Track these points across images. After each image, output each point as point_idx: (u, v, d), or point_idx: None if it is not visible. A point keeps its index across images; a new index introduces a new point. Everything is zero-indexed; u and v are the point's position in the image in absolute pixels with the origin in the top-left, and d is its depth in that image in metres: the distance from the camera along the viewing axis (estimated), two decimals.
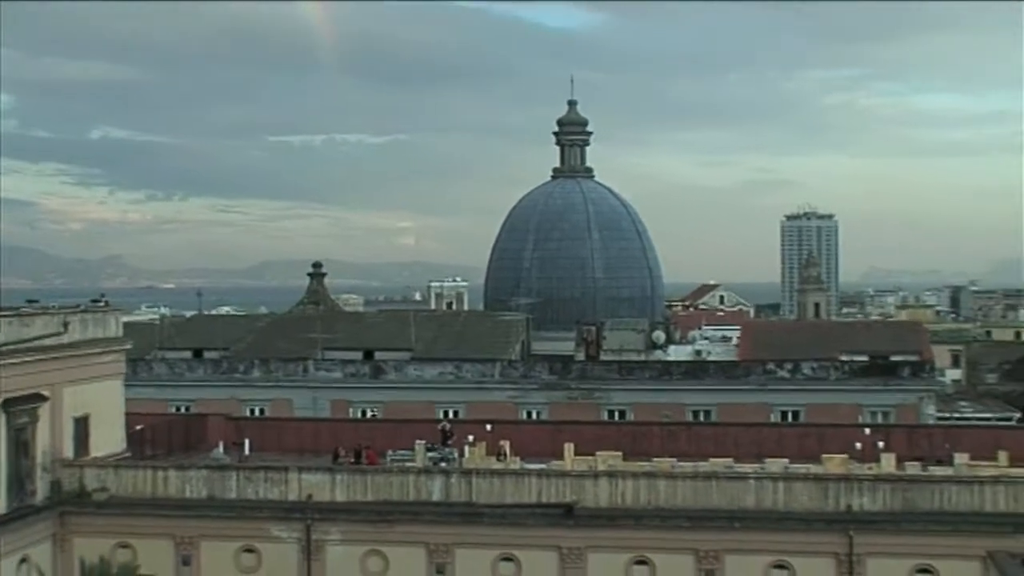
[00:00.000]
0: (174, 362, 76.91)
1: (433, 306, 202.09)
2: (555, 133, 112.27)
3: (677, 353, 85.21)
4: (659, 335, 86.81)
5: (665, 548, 43.93)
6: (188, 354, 79.43)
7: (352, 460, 50.06)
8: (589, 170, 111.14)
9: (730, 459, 46.87)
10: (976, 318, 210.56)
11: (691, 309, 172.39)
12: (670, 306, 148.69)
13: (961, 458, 45.82)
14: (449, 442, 52.43)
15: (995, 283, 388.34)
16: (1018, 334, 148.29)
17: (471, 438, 51.46)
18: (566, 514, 44.39)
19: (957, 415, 76.42)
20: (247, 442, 53.87)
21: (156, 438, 54.03)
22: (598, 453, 47.51)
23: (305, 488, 46.20)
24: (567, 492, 44.68)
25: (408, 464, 48.94)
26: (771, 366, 73.26)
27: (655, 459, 47.31)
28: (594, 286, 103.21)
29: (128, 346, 51.74)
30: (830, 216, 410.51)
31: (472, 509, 45.15)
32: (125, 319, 55.97)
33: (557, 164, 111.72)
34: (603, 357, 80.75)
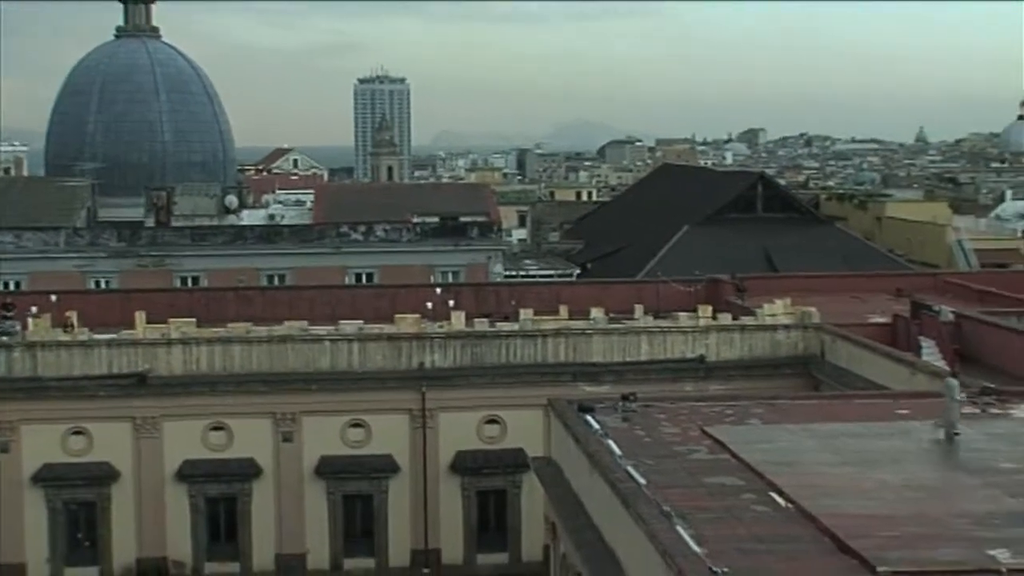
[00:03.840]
0: None
1: None
2: None
3: (251, 218, 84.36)
4: (232, 200, 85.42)
5: (242, 413, 43.91)
6: None
7: None
8: (155, 29, 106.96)
9: (305, 322, 47.00)
10: (541, 179, 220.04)
11: (264, 173, 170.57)
12: (243, 170, 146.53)
13: (526, 313, 47.83)
14: (10, 315, 49.75)
15: (557, 146, 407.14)
16: (579, 194, 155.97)
17: (34, 310, 49.04)
18: (139, 383, 43.45)
19: (523, 272, 79.66)
20: None
21: None
22: (171, 320, 46.38)
23: None
24: (139, 361, 43.70)
25: None
26: (345, 229, 73.88)
27: (230, 324, 46.74)
28: (163, 150, 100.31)
29: None
30: (402, 80, 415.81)
31: (38, 383, 43.37)
32: None
33: (120, 22, 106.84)
34: (174, 223, 78.82)
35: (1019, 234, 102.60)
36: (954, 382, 28.48)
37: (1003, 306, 46.58)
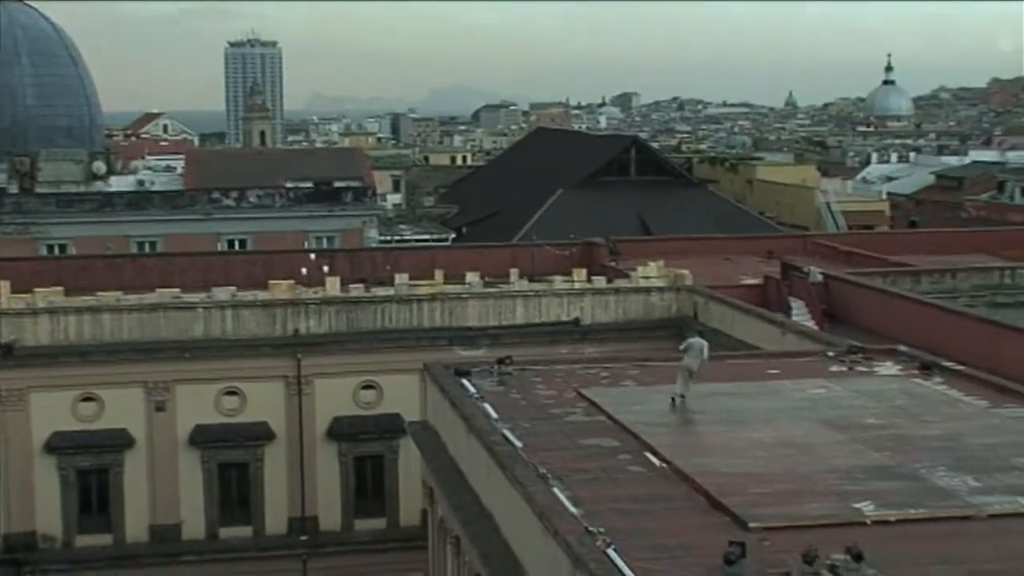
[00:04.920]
0: None
1: None
2: None
3: (119, 184, 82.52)
4: (99, 166, 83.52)
5: (113, 383, 43.03)
6: None
7: None
8: None
9: (177, 289, 46.23)
10: (415, 144, 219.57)
11: (133, 139, 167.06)
12: (111, 136, 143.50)
13: (401, 278, 47.59)
14: None
15: (432, 111, 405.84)
16: (453, 159, 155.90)
17: None
18: (5, 355, 42.36)
19: (397, 237, 79.41)
20: None
21: None
22: (37, 290, 45.29)
23: None
24: (4, 332, 42.59)
25: None
26: (217, 195, 72.86)
27: (99, 293, 45.78)
28: (26, 115, 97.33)
29: None
30: (274, 43, 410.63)
31: None
32: None
33: None
34: (39, 189, 76.91)
35: (884, 196, 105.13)
36: (698, 342, 28.06)
37: (869, 267, 47.66)
